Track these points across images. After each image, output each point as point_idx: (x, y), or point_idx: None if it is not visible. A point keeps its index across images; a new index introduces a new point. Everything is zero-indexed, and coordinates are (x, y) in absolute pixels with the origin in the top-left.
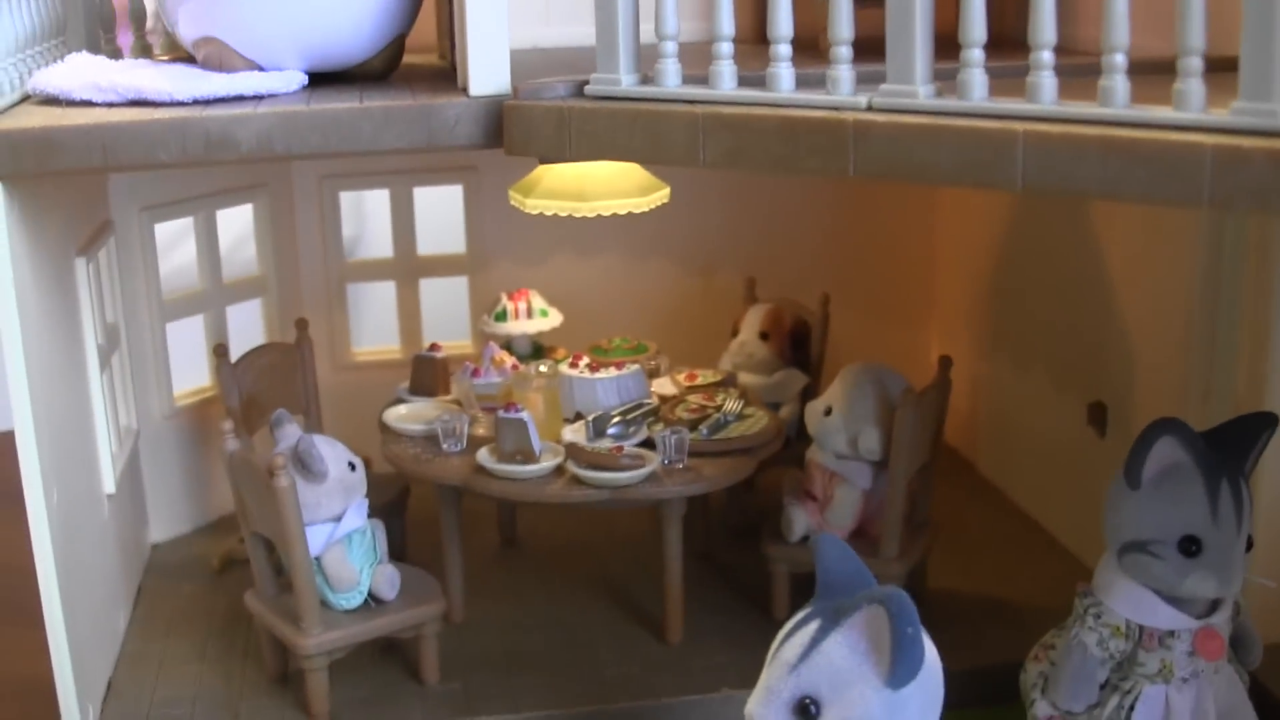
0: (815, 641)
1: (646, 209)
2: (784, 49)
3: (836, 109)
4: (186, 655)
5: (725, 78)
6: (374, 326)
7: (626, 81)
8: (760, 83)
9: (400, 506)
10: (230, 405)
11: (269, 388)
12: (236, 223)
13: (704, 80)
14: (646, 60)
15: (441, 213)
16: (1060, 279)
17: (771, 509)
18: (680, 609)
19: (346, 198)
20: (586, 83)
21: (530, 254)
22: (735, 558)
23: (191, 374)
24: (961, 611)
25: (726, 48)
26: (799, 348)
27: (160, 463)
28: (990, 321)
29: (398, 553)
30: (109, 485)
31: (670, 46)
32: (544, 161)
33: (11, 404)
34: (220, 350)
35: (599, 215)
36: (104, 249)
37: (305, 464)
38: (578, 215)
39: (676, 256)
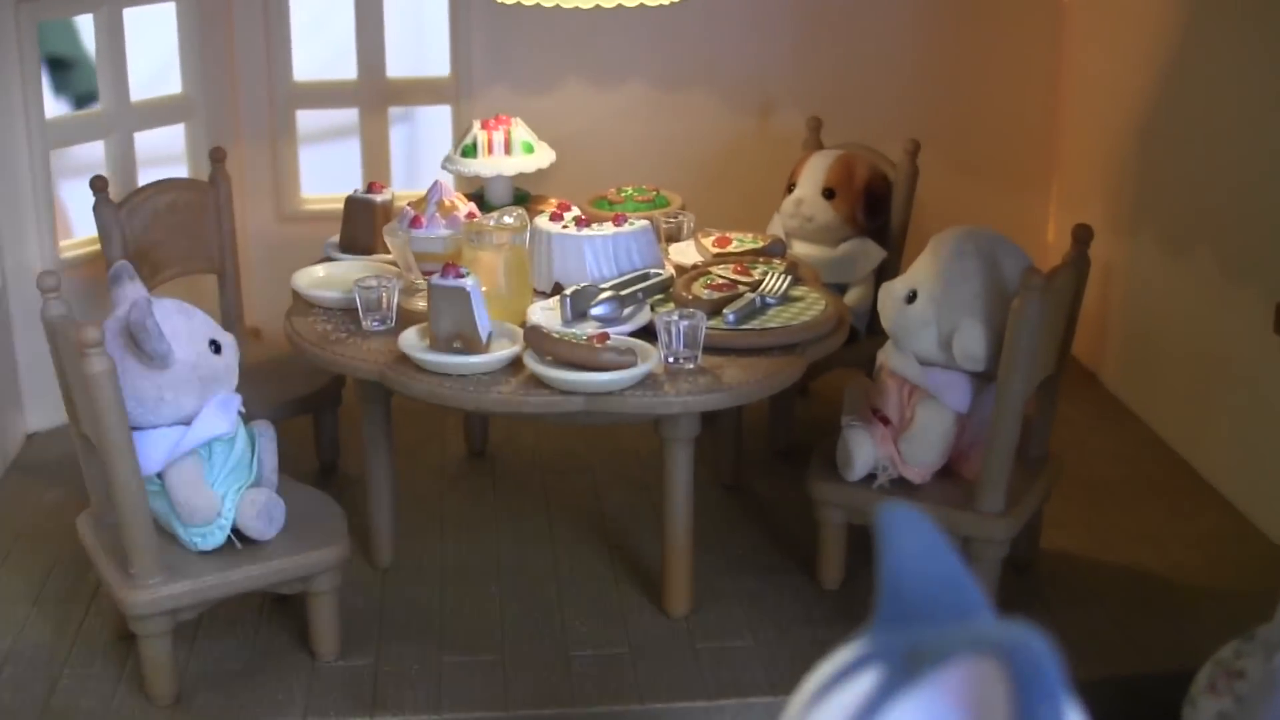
0: (870, 711)
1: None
2: None
3: None
4: (17, 593)
5: None
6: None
7: None
8: None
9: (331, 403)
10: (110, 257)
11: (169, 237)
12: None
13: None
14: None
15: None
16: (1238, 134)
17: (828, 429)
18: (687, 568)
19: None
20: None
21: (532, 79)
22: (777, 494)
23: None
24: (1087, 589)
25: None
26: (875, 211)
27: (40, 331)
28: (1132, 189)
29: (325, 469)
30: None
31: None
32: None
33: None
34: (100, 184)
35: (597, 7)
36: None
37: (137, 340)
38: (566, 5)
39: (723, 89)
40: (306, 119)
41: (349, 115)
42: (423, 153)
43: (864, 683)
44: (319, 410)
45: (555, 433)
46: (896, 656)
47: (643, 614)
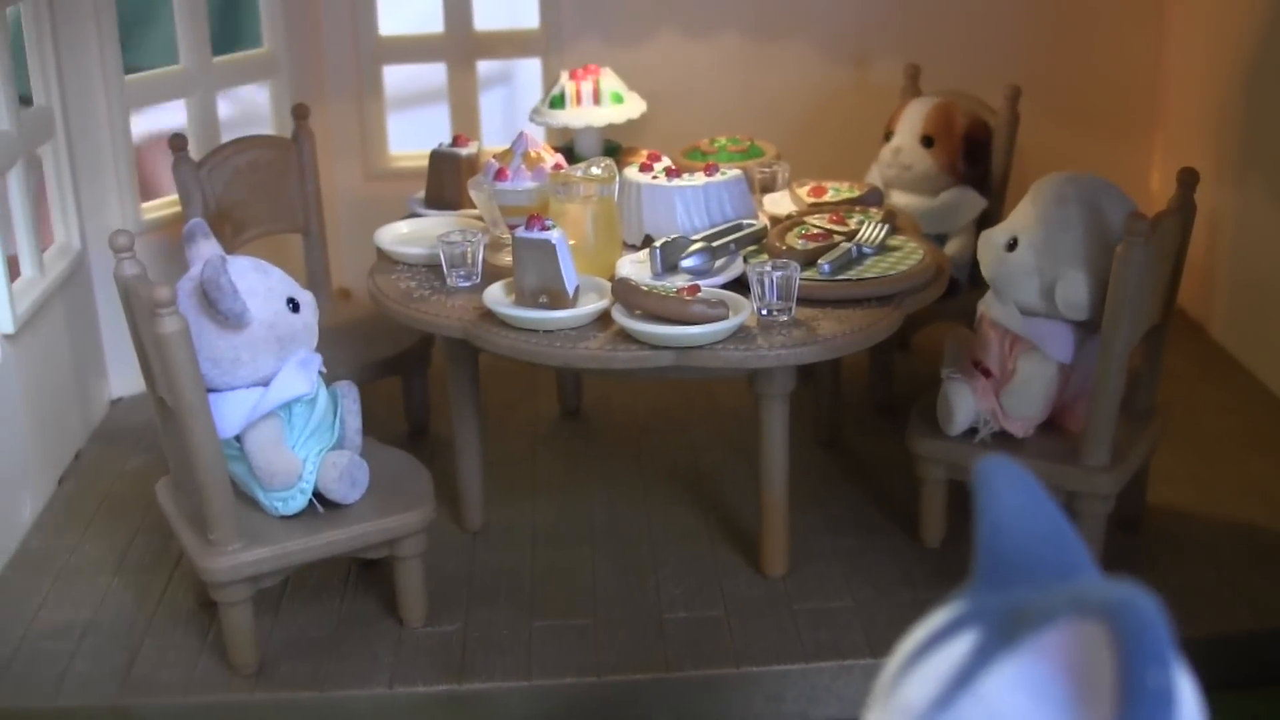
0: (967, 675)
1: None
2: None
3: None
4: (100, 561)
5: None
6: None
7: None
8: None
9: (420, 364)
10: (191, 217)
11: (252, 196)
12: None
13: None
14: None
15: None
16: None
17: (928, 383)
18: (784, 528)
19: None
20: None
21: (623, 30)
22: (876, 451)
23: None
24: (1196, 545)
25: None
26: (975, 159)
27: None
28: (1239, 134)
29: (415, 432)
30: (5, 323)
31: None
32: None
33: None
34: (179, 142)
35: None
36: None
37: (211, 298)
38: None
39: (819, 38)
40: (397, 84)
41: (440, 80)
42: (519, 115)
43: (961, 646)
44: (407, 371)
45: (650, 392)
46: (995, 618)
47: (738, 575)
